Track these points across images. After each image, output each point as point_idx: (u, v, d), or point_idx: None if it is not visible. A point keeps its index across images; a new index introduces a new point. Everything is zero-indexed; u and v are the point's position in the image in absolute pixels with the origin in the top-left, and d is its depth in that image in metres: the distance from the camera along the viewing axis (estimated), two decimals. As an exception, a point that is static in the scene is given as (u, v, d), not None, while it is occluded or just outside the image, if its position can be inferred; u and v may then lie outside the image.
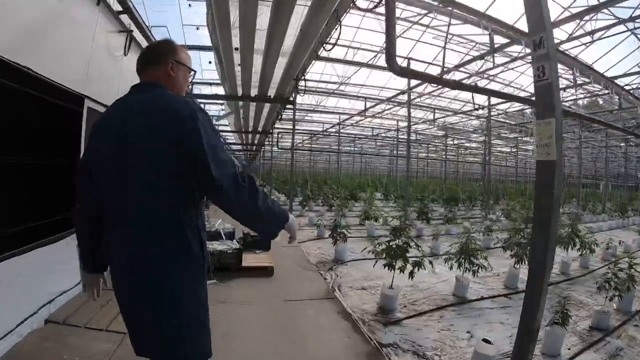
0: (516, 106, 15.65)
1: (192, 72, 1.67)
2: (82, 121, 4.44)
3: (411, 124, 19.94)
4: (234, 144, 28.76)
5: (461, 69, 10.20)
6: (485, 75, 11.63)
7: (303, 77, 7.08)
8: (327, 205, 13.25)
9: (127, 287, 1.45)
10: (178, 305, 1.41)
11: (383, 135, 21.64)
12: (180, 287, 1.41)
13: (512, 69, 11.68)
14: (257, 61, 6.71)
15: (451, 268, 4.94)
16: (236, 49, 6.30)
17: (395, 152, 23.49)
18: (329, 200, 12.84)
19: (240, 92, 8.42)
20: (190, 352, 1.46)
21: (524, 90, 13.10)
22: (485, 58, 8.67)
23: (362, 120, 17.97)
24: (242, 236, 5.63)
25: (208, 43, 7.01)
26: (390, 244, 4.03)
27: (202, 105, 1.64)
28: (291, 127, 9.38)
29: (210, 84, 11.66)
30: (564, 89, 11.59)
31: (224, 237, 5.14)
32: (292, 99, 8.48)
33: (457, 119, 18.39)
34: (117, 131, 1.39)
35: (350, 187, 16.92)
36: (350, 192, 14.12)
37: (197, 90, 12.14)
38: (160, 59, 1.56)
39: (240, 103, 10.60)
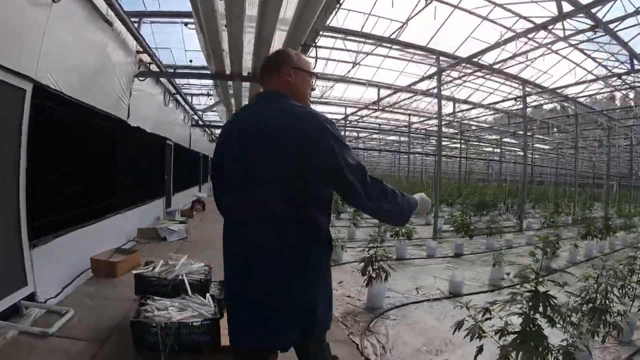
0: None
1: (314, 77, 1.68)
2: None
3: (424, 119, 18.27)
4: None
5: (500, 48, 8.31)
6: (517, 60, 9.81)
7: (314, 44, 5.16)
8: (334, 212, 11.32)
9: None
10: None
11: (395, 129, 19.51)
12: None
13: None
14: (250, 21, 4.81)
15: (564, 329, 3.06)
16: (221, -1, 4.38)
17: (405, 148, 21.70)
18: (336, 205, 10.94)
19: (228, 70, 6.51)
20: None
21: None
22: (550, 27, 6.78)
23: (372, 113, 16.11)
24: (220, 285, 3.42)
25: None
26: (521, 326, 2.03)
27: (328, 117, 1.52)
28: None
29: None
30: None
31: (189, 291, 3.11)
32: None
33: (477, 112, 16.53)
34: (247, 138, 1.47)
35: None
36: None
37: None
38: (275, 68, 1.59)
39: (231, 90, 8.69)
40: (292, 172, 1.38)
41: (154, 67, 7.32)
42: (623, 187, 25.95)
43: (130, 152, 6.62)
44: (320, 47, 6.50)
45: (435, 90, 9.62)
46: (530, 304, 1.95)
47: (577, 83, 11.07)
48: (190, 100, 13.67)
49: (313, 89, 1.71)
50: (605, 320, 2.93)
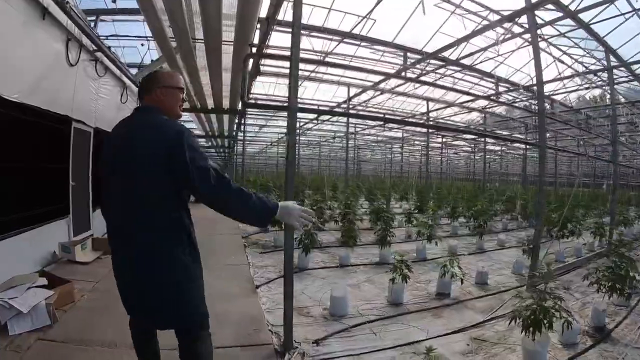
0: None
1: (183, 91, 1.98)
2: None
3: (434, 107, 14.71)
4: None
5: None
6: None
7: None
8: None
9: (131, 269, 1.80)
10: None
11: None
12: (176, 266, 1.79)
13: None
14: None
15: None
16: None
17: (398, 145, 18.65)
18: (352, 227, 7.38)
19: None
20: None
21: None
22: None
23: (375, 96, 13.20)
24: None
25: None
26: None
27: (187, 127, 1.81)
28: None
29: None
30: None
31: None
32: None
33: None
34: (123, 142, 1.77)
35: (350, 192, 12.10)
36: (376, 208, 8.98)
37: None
38: (148, 89, 1.90)
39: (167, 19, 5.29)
40: (160, 174, 1.69)
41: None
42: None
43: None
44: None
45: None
46: None
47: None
48: (135, 74, 9.63)
49: (184, 101, 1.99)
50: None
